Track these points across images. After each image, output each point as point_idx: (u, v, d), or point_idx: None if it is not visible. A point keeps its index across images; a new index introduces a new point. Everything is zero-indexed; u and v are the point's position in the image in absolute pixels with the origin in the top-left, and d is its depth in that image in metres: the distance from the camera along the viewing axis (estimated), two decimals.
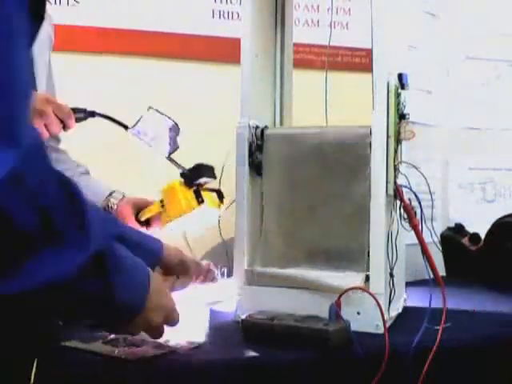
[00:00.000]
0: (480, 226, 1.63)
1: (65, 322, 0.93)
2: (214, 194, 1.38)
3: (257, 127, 1.25)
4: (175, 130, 1.36)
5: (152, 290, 0.88)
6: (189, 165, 1.38)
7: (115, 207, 1.48)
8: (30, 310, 0.79)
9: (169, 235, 1.31)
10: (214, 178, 1.38)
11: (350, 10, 2.31)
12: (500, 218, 1.60)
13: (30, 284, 0.70)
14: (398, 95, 1.14)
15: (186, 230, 1.39)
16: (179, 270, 1.16)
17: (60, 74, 1.62)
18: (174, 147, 1.36)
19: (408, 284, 1.33)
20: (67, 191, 0.74)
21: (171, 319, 0.94)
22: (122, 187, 1.51)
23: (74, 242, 0.72)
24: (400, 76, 1.15)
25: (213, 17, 2.18)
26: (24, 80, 0.71)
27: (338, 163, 1.18)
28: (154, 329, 0.93)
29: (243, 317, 1.10)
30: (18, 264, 0.68)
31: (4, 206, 0.64)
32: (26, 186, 0.66)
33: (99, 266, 0.77)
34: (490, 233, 1.58)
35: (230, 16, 2.19)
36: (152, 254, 1.10)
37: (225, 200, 1.37)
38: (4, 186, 0.64)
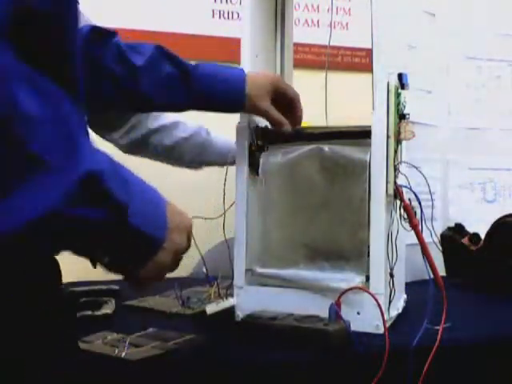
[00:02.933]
0: (480, 226, 1.63)
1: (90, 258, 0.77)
2: None
3: (257, 127, 1.25)
4: None
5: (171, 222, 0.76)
6: None
7: None
8: (32, 246, 0.70)
9: None
10: None
11: (349, 10, 2.31)
12: (500, 218, 1.60)
13: (12, 222, 0.61)
14: (398, 95, 1.14)
15: None
16: (280, 104, 0.95)
17: None
18: None
19: (408, 284, 1.33)
20: (56, 111, 0.65)
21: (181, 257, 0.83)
22: None
23: (56, 168, 0.63)
24: (400, 76, 1.15)
25: (213, 17, 2.18)
26: None
27: (337, 163, 1.18)
28: (167, 270, 0.81)
29: (243, 317, 1.10)
30: None
31: None
32: None
33: (95, 191, 0.67)
34: (489, 233, 1.58)
35: (230, 16, 2.19)
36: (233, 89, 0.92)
37: None
38: None
